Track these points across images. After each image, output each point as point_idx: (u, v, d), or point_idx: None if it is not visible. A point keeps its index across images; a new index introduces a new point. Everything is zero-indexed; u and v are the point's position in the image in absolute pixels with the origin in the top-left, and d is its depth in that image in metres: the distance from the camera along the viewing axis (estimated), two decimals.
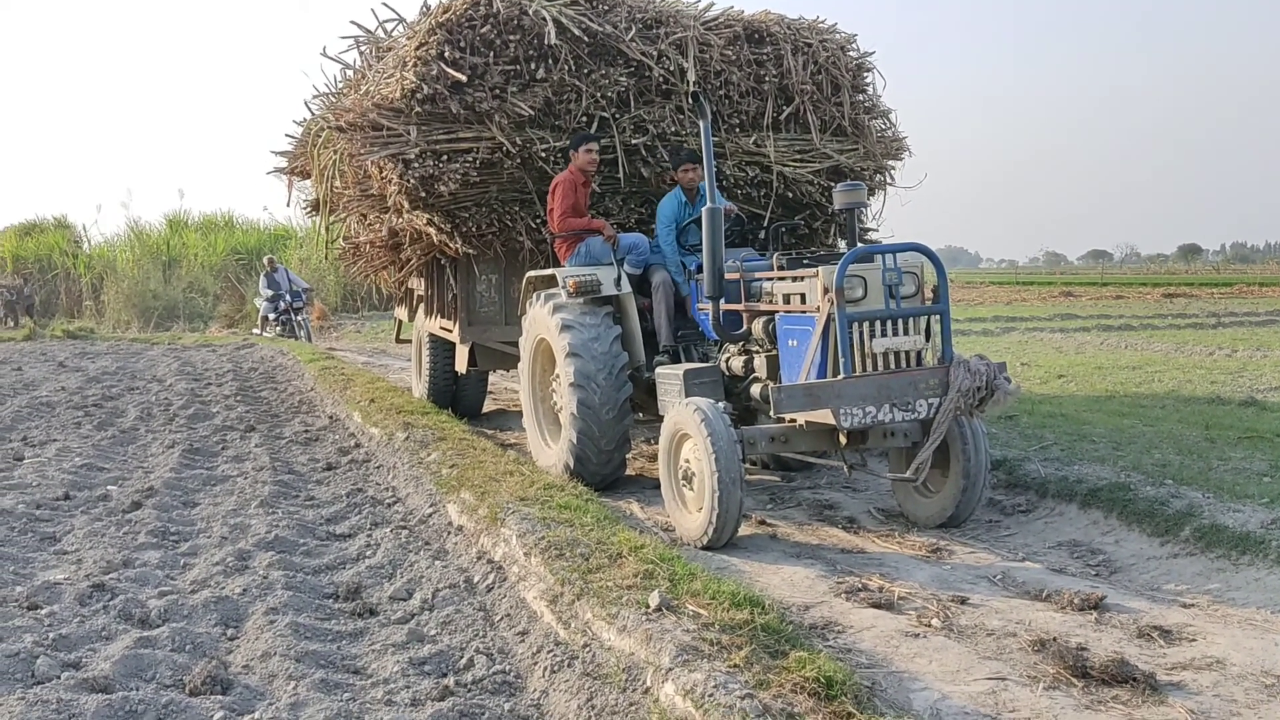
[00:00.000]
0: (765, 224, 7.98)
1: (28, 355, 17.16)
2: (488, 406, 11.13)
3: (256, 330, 21.92)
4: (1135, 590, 4.74)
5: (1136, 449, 7.12)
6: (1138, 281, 49.69)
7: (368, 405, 9.39)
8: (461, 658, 3.77)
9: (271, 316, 21.10)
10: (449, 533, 5.46)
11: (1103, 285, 45.27)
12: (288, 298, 20.81)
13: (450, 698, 3.36)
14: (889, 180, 9.14)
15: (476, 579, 4.65)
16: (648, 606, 3.59)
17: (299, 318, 20.88)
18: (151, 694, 3.36)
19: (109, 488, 6.70)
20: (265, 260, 22.09)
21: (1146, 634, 4.10)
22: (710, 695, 2.85)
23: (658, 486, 6.08)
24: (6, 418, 9.70)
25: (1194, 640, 4.04)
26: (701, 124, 6.21)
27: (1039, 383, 11.59)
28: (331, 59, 9.82)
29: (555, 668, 3.54)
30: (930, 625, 4.26)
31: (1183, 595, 4.62)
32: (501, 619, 4.16)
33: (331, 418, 10.01)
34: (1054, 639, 3.95)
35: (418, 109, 7.60)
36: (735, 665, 3.07)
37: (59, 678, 3.52)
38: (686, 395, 6.09)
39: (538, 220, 7.98)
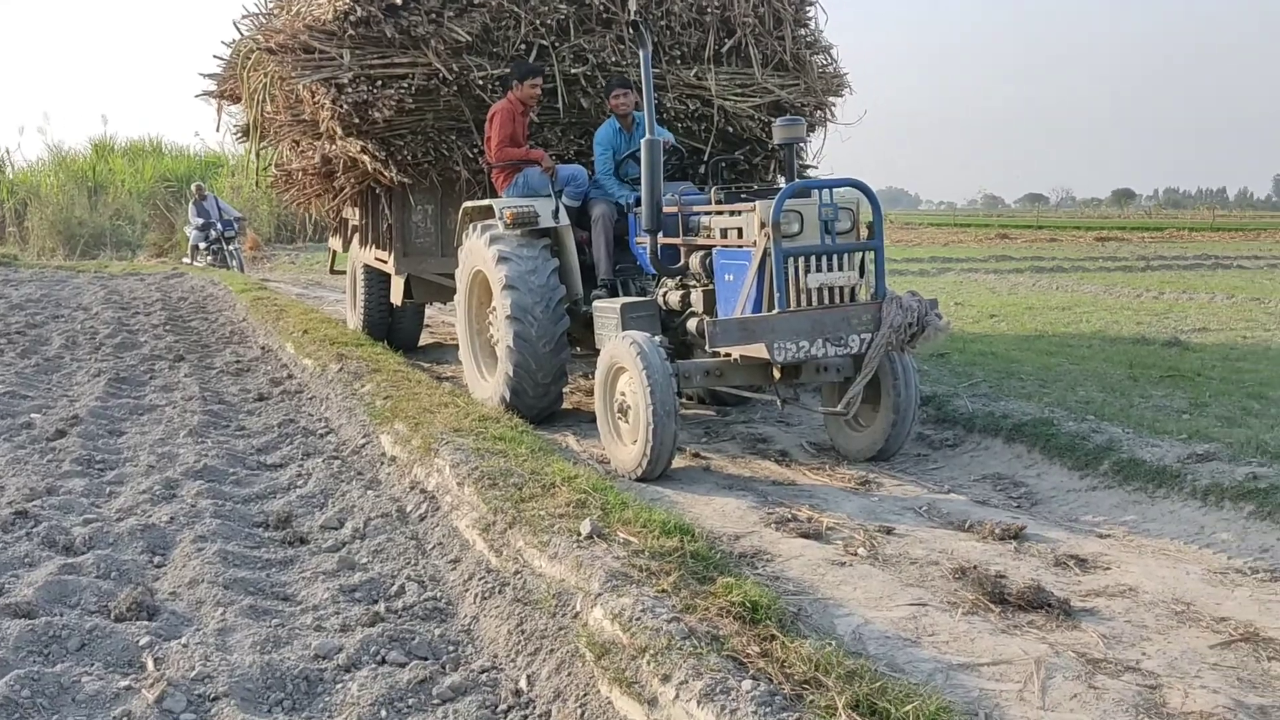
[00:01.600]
0: (705, 158, 7.96)
1: None
2: (424, 339, 11.04)
3: (186, 260, 21.40)
4: (1054, 521, 4.88)
5: (1062, 386, 7.29)
6: (1072, 225, 50.39)
7: (301, 336, 9.25)
8: (393, 585, 3.78)
9: (202, 246, 20.58)
10: (382, 463, 5.44)
11: (1038, 228, 45.85)
12: (219, 226, 20.26)
13: (380, 623, 3.37)
14: (829, 116, 9.05)
15: (409, 508, 4.65)
16: (579, 534, 3.62)
17: (230, 247, 20.37)
18: (76, 619, 3.32)
19: (32, 416, 6.55)
20: (194, 188, 21.51)
21: (1063, 562, 4.24)
22: (638, 619, 2.89)
23: (593, 420, 6.09)
24: None
25: (1108, 569, 4.18)
26: (642, 54, 6.11)
27: (971, 322, 11.78)
28: None
29: (486, 594, 3.57)
30: (856, 554, 4.35)
31: (1099, 526, 4.78)
32: (434, 547, 4.17)
33: (264, 349, 9.86)
34: (974, 567, 4.06)
35: (351, 32, 7.39)
36: (663, 590, 3.11)
37: None
38: (623, 329, 6.07)
39: (475, 150, 7.83)
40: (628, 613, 2.93)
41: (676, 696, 2.53)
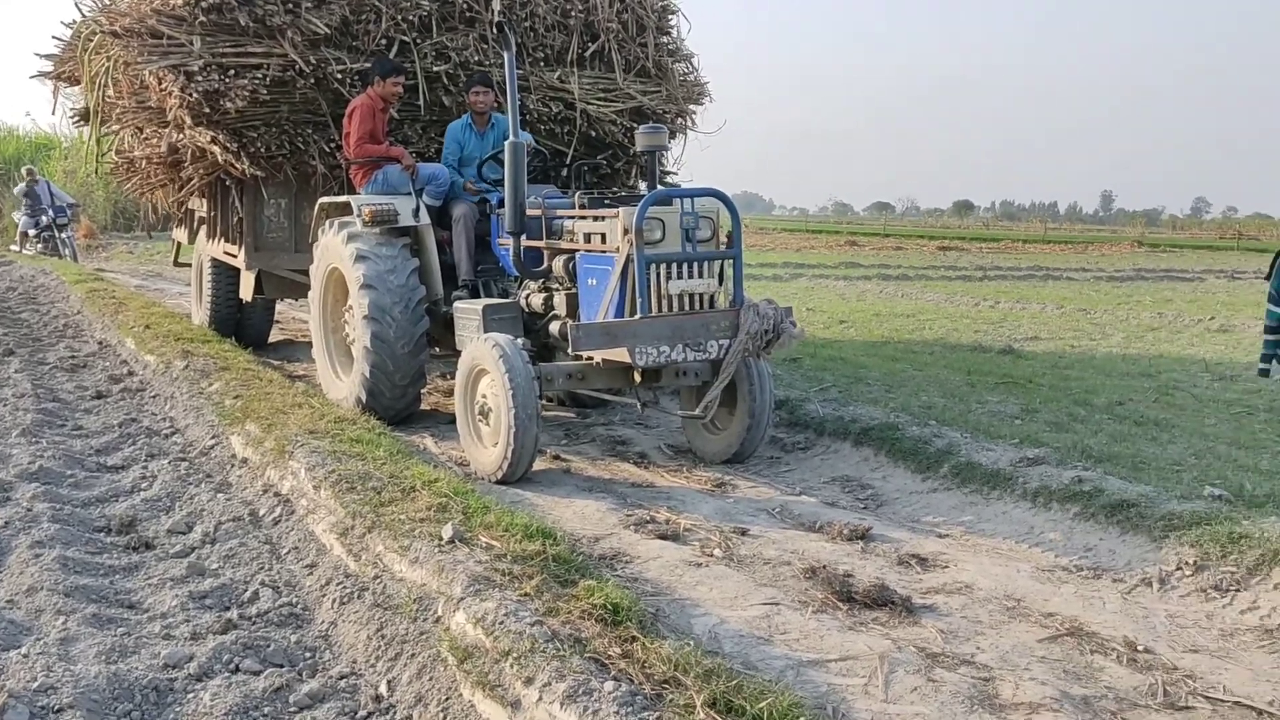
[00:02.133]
0: (568, 162, 7.96)
1: None
2: (275, 336, 10.74)
3: (15, 247, 20.23)
4: (898, 522, 5.11)
5: (906, 392, 7.62)
6: (917, 234, 52.42)
7: (142, 331, 8.88)
8: (245, 591, 3.70)
9: (32, 233, 19.51)
10: (232, 465, 5.30)
11: (885, 236, 47.54)
12: (50, 213, 19.24)
13: (233, 630, 3.30)
14: (690, 124, 9.15)
15: (262, 512, 4.55)
16: (441, 538, 3.61)
17: (63, 235, 19.36)
18: None
19: None
20: (24, 171, 20.37)
21: (906, 561, 4.45)
22: (501, 623, 2.92)
23: (452, 421, 6.06)
24: None
25: (946, 567, 4.41)
26: (506, 56, 6.08)
27: (822, 328, 12.16)
28: None
29: (345, 599, 3.53)
30: (712, 555, 4.47)
31: (939, 526, 5.03)
32: (288, 552, 4.09)
33: (101, 343, 9.42)
34: (824, 567, 4.22)
35: (202, 18, 7.18)
36: (526, 594, 3.14)
37: None
38: (485, 330, 6.03)
39: (332, 144, 7.66)
40: (490, 617, 2.95)
41: (540, 699, 2.57)
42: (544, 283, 6.40)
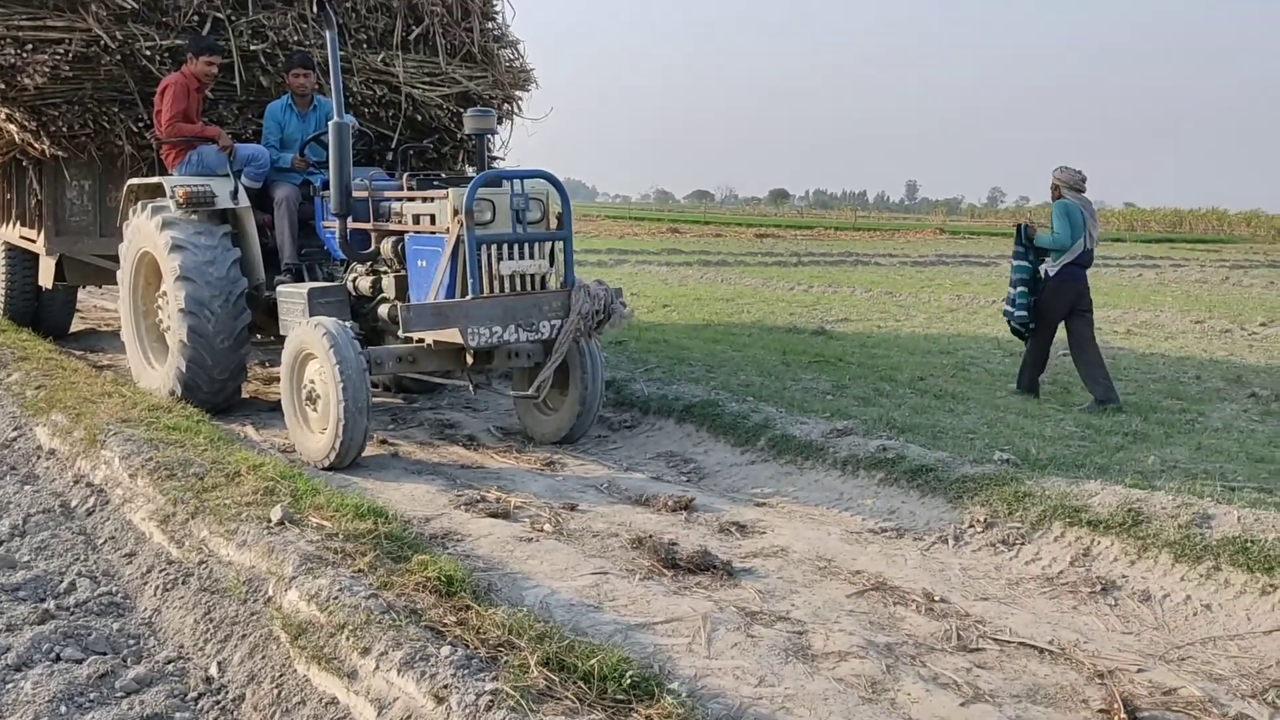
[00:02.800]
0: (393, 145, 7.89)
1: None
2: (76, 325, 10.21)
3: None
4: (720, 493, 5.36)
5: (726, 371, 7.92)
6: (735, 221, 53.84)
7: None
8: (62, 582, 3.59)
9: None
10: (39, 457, 5.08)
11: (705, 224, 48.60)
12: None
13: (51, 620, 3.21)
14: (516, 110, 9.19)
15: (74, 503, 4.39)
16: (270, 521, 3.60)
17: None
18: None
19: None
20: None
21: (726, 529, 4.69)
22: (335, 598, 2.95)
23: (274, 409, 5.96)
24: None
25: (764, 533, 4.66)
26: (328, 35, 5.99)
27: (646, 311, 12.43)
28: None
29: (168, 586, 3.48)
30: (543, 531, 4.59)
31: (757, 495, 5.30)
32: (105, 542, 3.98)
33: None
34: (650, 537, 4.41)
35: None
36: (360, 570, 3.19)
37: None
38: (311, 315, 5.92)
39: (140, 124, 7.38)
40: (324, 593, 2.98)
41: (377, 668, 2.63)
42: (371, 265, 6.33)
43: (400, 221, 6.03)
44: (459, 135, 8.46)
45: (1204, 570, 3.96)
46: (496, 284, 5.46)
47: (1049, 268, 7.41)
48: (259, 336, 6.96)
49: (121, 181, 7.33)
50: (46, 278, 8.32)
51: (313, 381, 5.56)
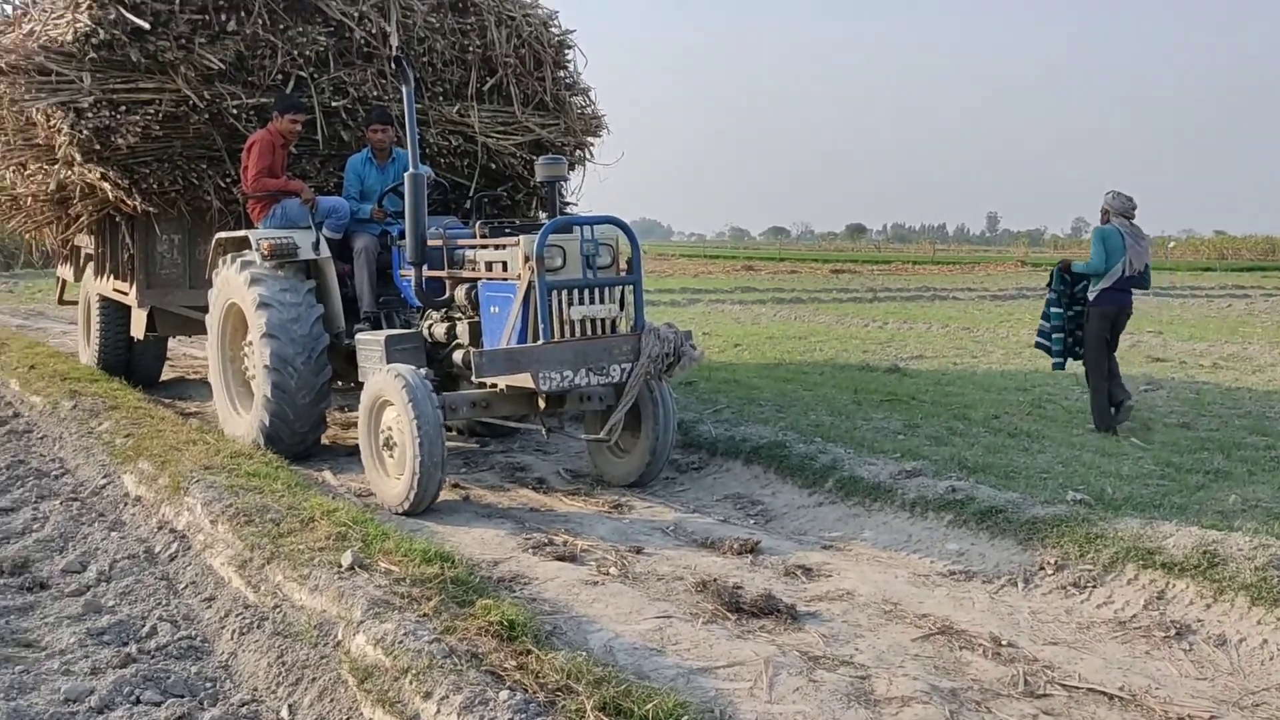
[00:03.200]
0: (469, 194, 8.02)
1: None
2: (166, 374, 10.58)
3: None
4: (786, 535, 5.35)
5: (796, 411, 7.91)
6: (811, 257, 53.64)
7: (27, 372, 8.73)
8: (144, 626, 3.73)
9: None
10: (126, 504, 5.28)
11: (780, 260, 48.55)
12: None
13: (133, 664, 3.34)
14: (588, 156, 9.38)
15: (158, 549, 4.56)
16: (340, 566, 3.70)
17: None
18: None
19: None
20: None
21: (792, 572, 4.68)
22: (400, 642, 3.03)
23: (351, 454, 6.10)
24: None
25: (830, 576, 4.65)
26: (405, 90, 6.15)
27: (717, 351, 12.46)
28: None
29: (244, 630, 3.59)
30: (608, 574, 4.63)
31: (824, 538, 5.28)
32: (186, 587, 4.13)
33: None
34: (714, 580, 4.42)
35: (92, 55, 7.12)
36: (425, 614, 3.26)
37: None
38: (388, 362, 6.05)
39: (228, 179, 7.64)
40: (390, 637, 3.06)
41: (438, 711, 2.70)
42: (446, 312, 6.45)
43: (474, 268, 6.15)
44: (532, 182, 8.61)
45: None
46: (567, 328, 5.55)
47: (1089, 293, 7.55)
48: (339, 384, 7.10)
49: (209, 235, 7.55)
50: (138, 329, 8.61)
51: (389, 428, 5.66)
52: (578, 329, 5.58)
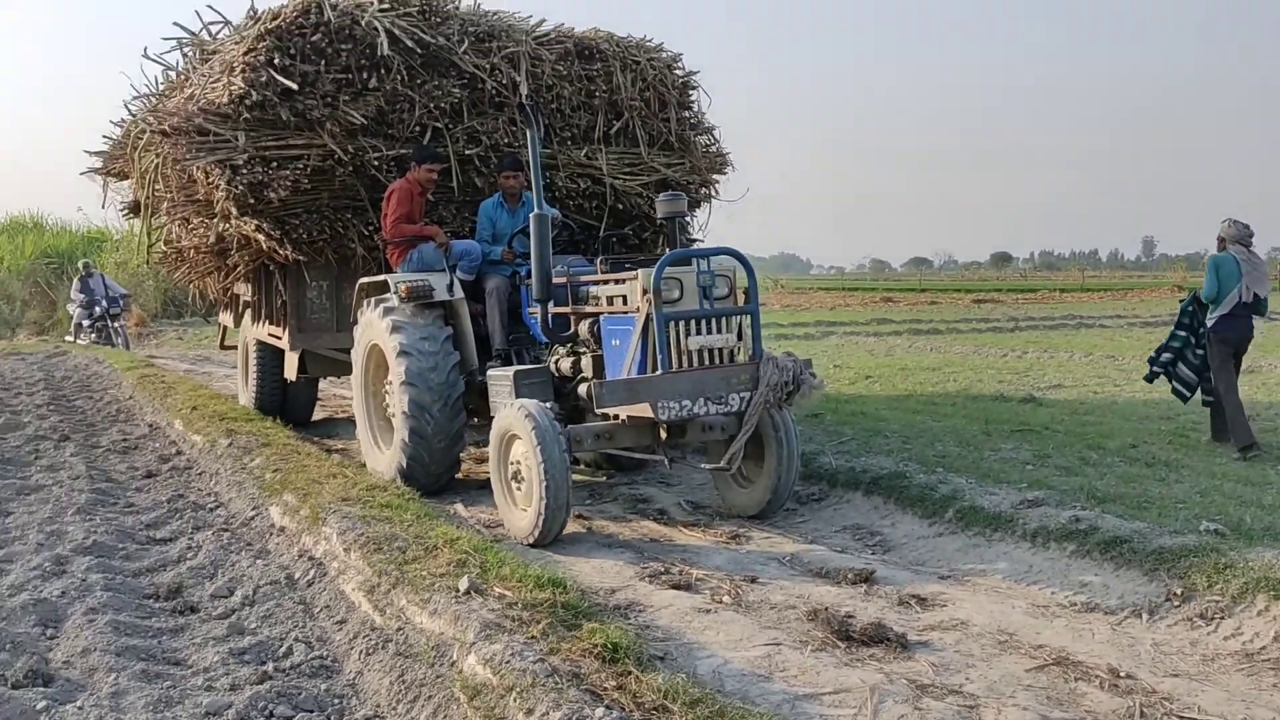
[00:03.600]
0: (598, 234, 8.32)
1: None
2: (317, 413, 11.13)
3: (69, 338, 20.89)
4: (903, 565, 5.32)
5: (922, 442, 7.83)
6: (953, 288, 52.43)
7: (190, 413, 9.32)
8: (281, 647, 3.99)
9: (86, 323, 20.23)
10: (271, 533, 5.62)
11: (921, 291, 47.64)
12: (103, 304, 19.92)
13: (268, 681, 3.58)
14: (714, 193, 9.54)
15: (297, 575, 4.85)
16: (458, 591, 3.90)
17: (115, 324, 20.03)
18: None
19: None
20: (80, 265, 21.18)
21: (905, 602, 4.66)
22: (507, 662, 3.19)
23: (482, 487, 6.34)
24: None
25: (945, 606, 4.61)
26: (530, 135, 6.37)
27: (847, 383, 12.38)
28: (153, 60, 9.59)
29: (370, 650, 3.81)
30: (721, 602, 4.71)
31: (941, 568, 5.23)
32: (321, 610, 4.39)
33: (151, 426, 9.87)
34: (826, 609, 4.44)
35: (246, 115, 7.54)
36: (533, 636, 3.42)
37: None
38: (517, 396, 6.23)
39: (370, 227, 8.00)
40: (498, 657, 3.22)
41: None
42: (572, 347, 6.64)
43: (596, 303, 6.33)
44: (659, 221, 8.71)
45: None
46: (685, 359, 5.64)
47: (1209, 319, 7.70)
48: (475, 420, 7.20)
49: (354, 281, 7.88)
50: (291, 371, 9.01)
51: (517, 462, 5.82)
52: (695, 359, 5.67)
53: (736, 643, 4.19)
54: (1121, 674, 3.80)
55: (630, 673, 3.14)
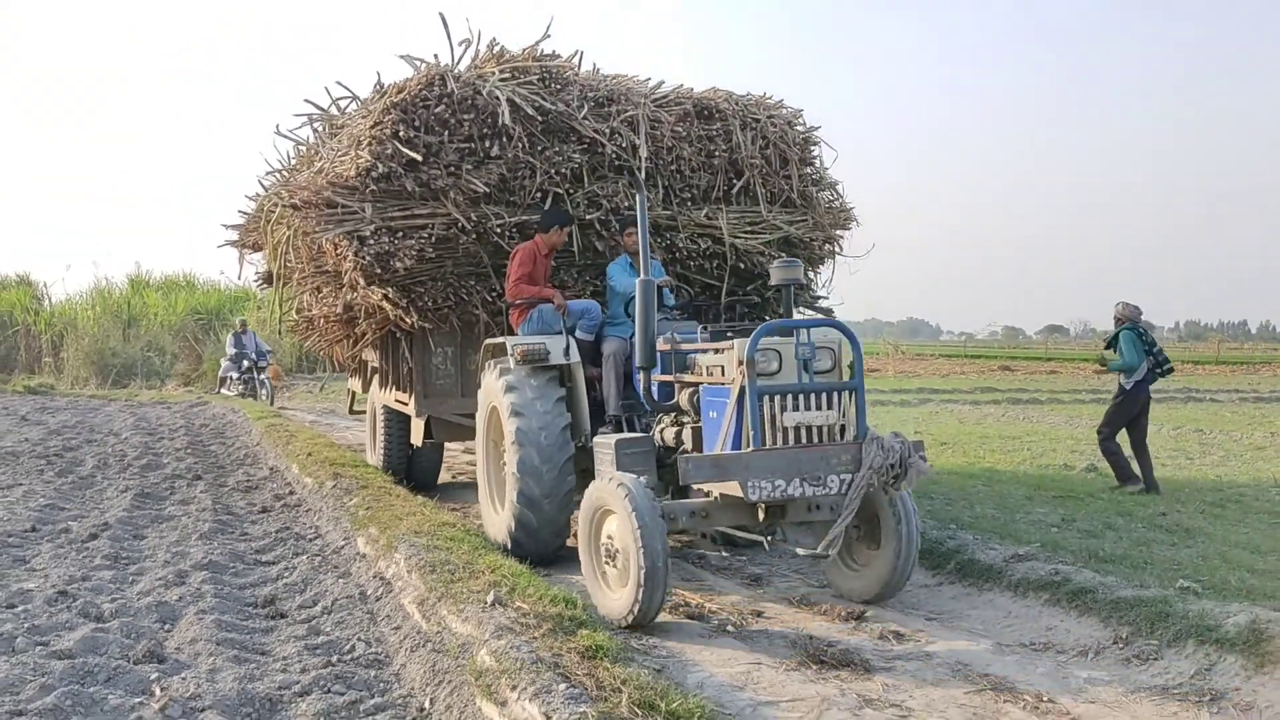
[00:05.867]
0: (721, 295, 8.37)
1: None
2: (442, 476, 11.24)
3: (223, 391, 22.28)
4: (898, 608, 5.93)
5: (962, 504, 8.37)
6: (1080, 357, 51.36)
7: (305, 458, 10.45)
8: (346, 645, 4.89)
9: (234, 376, 21.72)
10: (355, 559, 6.57)
11: (1046, 360, 46.86)
12: (252, 357, 21.33)
13: (331, 668, 4.47)
14: (838, 250, 9.36)
15: (369, 591, 5.78)
16: (485, 603, 4.74)
17: (261, 377, 21.37)
18: (104, 662, 4.45)
19: (70, 523, 7.74)
20: (237, 322, 22.97)
21: (885, 636, 5.31)
22: (506, 654, 4.00)
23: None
24: None
25: (918, 641, 5.24)
26: (638, 199, 6.40)
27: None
28: (285, 136, 9.79)
29: (414, 648, 4.66)
30: (725, 630, 5.43)
31: (931, 611, 5.84)
32: (383, 618, 5.28)
33: (272, 469, 11.07)
34: (810, 639, 5.13)
35: (372, 187, 7.64)
36: (534, 637, 4.23)
37: (33, 650, 4.61)
38: (618, 466, 6.02)
39: (493, 293, 8.07)
40: (501, 650, 4.04)
41: (518, 698, 3.63)
42: (675, 416, 6.45)
43: (698, 372, 6.10)
44: (774, 287, 8.62)
45: None
46: (780, 435, 5.30)
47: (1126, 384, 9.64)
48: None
49: (478, 347, 8.00)
50: (417, 436, 9.04)
51: (610, 538, 5.55)
52: (792, 436, 5.32)
53: (725, 661, 4.92)
54: (1044, 699, 4.39)
55: (603, 665, 3.92)
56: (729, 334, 6.21)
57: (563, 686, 3.62)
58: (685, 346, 6.30)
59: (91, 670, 4.35)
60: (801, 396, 5.36)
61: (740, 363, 5.39)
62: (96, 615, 5.25)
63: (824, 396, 5.41)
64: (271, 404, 19.64)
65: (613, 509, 5.46)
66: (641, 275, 6.26)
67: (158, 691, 4.17)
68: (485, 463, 7.58)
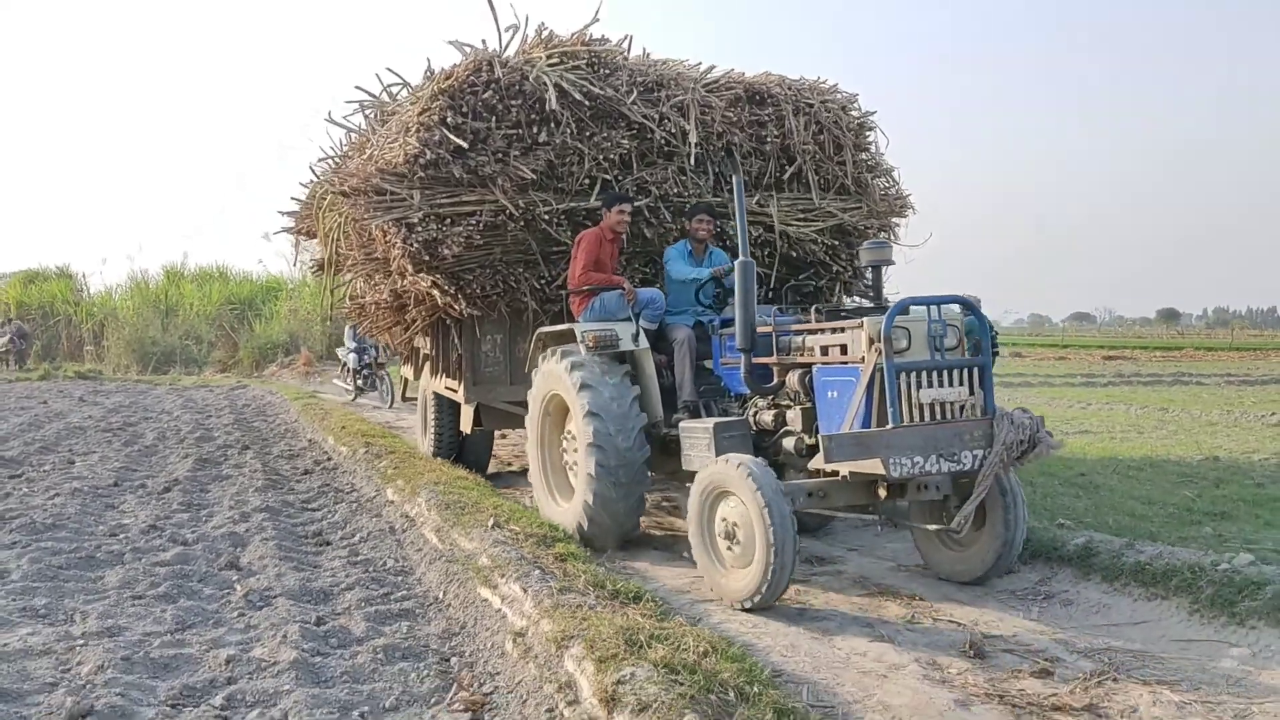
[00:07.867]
0: (770, 283, 8.30)
1: (48, 392, 19.63)
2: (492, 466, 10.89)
3: (337, 380, 21.66)
4: (829, 541, 7.22)
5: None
6: (1095, 344, 51.11)
7: (340, 431, 11.87)
8: (379, 561, 6.26)
9: (355, 367, 20.14)
10: (386, 505, 7.95)
11: (1063, 347, 46.72)
12: (372, 351, 19.79)
13: (368, 574, 5.85)
14: (893, 237, 9.16)
15: (397, 526, 7.15)
16: (486, 526, 6.09)
17: (382, 371, 19.82)
18: (195, 568, 5.87)
19: (145, 480, 9.17)
20: (349, 327, 21.22)
21: (810, 560, 6.60)
22: (500, 555, 5.36)
23: (667, 543, 7.07)
24: (50, 437, 12.18)
25: (835, 564, 6.53)
26: (735, 180, 6.26)
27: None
28: (337, 123, 9.68)
29: (431, 561, 6.03)
30: (683, 556, 6.71)
31: (853, 544, 7.12)
32: (408, 544, 6.65)
33: (310, 441, 12.49)
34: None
35: (421, 174, 7.57)
36: (522, 547, 5.58)
37: (140, 561, 6.02)
38: (717, 450, 6.08)
39: (542, 280, 8.05)
40: (494, 553, 5.40)
41: (505, 582, 4.98)
42: (774, 399, 6.36)
43: (807, 354, 6.00)
44: (834, 268, 8.79)
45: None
46: (916, 412, 5.26)
47: None
48: (653, 474, 6.97)
49: (527, 334, 7.99)
50: (466, 424, 9.15)
51: (726, 519, 5.50)
52: (927, 413, 5.28)
53: (677, 575, 6.22)
54: (917, 598, 5.67)
55: (572, 564, 5.29)
56: (843, 314, 6.18)
57: (537, 573, 4.96)
58: (791, 328, 6.19)
59: (187, 574, 5.76)
60: (935, 373, 5.34)
61: (872, 341, 5.36)
62: (182, 541, 6.66)
63: (956, 373, 5.40)
64: (390, 406, 18.15)
65: (732, 490, 5.43)
66: (741, 258, 6.08)
67: (239, 587, 5.55)
68: (539, 453, 7.49)
